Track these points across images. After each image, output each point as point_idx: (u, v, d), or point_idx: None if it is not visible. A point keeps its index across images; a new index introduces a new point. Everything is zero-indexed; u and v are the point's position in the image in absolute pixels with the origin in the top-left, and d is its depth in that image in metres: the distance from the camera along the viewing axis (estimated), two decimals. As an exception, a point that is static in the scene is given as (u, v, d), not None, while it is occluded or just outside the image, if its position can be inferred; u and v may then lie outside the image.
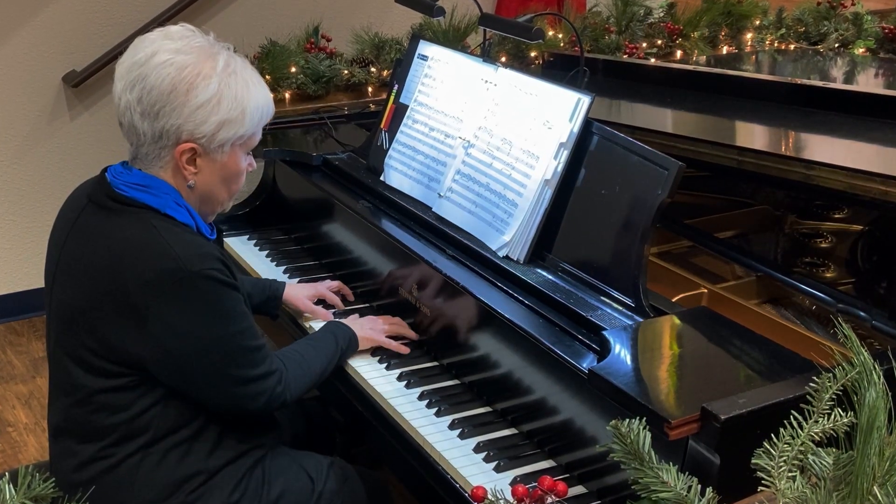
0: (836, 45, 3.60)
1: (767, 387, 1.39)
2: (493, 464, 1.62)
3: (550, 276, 1.81)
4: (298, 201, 2.49)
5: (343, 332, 1.89)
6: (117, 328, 1.51)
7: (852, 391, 1.10)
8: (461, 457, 1.64)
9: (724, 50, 3.61)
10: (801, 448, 1.08)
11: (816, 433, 1.09)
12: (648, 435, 1.07)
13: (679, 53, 3.54)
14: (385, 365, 1.91)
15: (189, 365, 1.53)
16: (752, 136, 2.29)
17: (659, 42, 3.55)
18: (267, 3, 3.70)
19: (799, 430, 1.09)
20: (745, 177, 2.29)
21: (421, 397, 1.81)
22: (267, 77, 2.90)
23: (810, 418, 1.10)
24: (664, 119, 2.46)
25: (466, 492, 1.57)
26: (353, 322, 1.94)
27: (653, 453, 1.07)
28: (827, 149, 2.10)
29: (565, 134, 1.84)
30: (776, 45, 3.66)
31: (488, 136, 2.00)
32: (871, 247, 2.19)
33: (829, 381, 1.12)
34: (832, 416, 1.10)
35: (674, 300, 1.83)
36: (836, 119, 2.21)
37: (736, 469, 1.22)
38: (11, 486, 1.08)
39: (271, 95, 1.64)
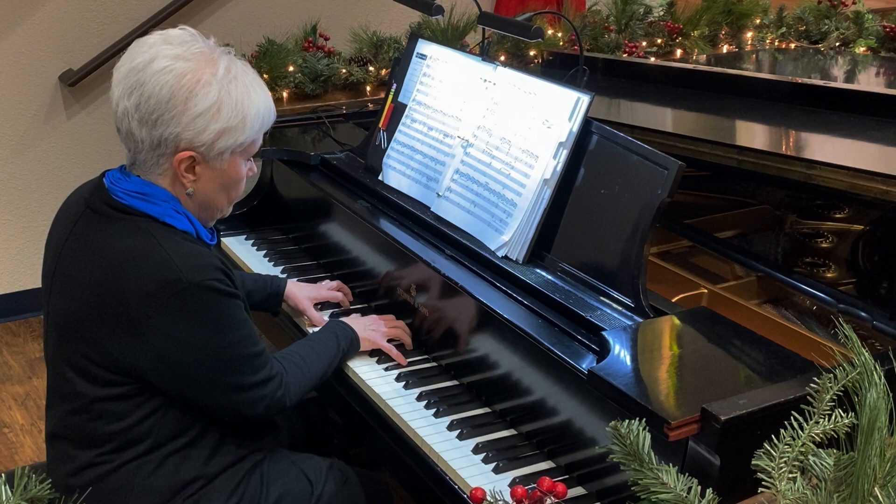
0: (837, 44, 3.60)
1: (768, 387, 1.38)
2: (492, 465, 1.61)
3: (549, 277, 1.80)
4: (296, 201, 2.48)
5: (345, 332, 1.88)
6: (117, 338, 1.50)
7: (853, 392, 1.09)
8: (460, 458, 1.64)
9: (725, 49, 3.61)
10: (802, 449, 1.08)
11: (817, 434, 1.09)
12: (648, 436, 1.07)
13: (679, 52, 3.54)
14: (384, 366, 1.91)
15: (189, 374, 1.51)
16: (753, 135, 2.28)
17: (659, 41, 3.54)
18: (264, 2, 3.70)
19: (799, 431, 1.08)
20: (745, 176, 2.28)
21: (419, 398, 1.80)
22: (264, 76, 2.89)
23: (811, 419, 1.09)
24: (664, 118, 2.46)
25: (465, 493, 1.57)
26: (355, 322, 1.93)
27: (652, 454, 1.06)
28: (828, 148, 2.10)
29: (564, 133, 1.83)
30: (777, 43, 3.66)
31: (487, 135, 1.99)
32: (872, 247, 2.19)
33: (830, 382, 1.11)
34: (833, 417, 1.09)
35: (674, 300, 1.82)
36: (836, 118, 2.20)
37: (736, 470, 1.22)
38: (8, 487, 1.08)
39: (272, 101, 1.62)
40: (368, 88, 3.01)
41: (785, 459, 1.06)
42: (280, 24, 3.22)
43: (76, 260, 1.56)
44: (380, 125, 2.32)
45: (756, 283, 2.03)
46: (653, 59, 3.35)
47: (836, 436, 1.09)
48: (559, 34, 3.38)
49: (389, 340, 1.94)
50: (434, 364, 1.92)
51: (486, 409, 1.78)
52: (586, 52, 3.16)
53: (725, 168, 2.05)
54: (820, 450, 1.09)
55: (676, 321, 1.63)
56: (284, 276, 2.25)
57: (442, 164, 2.09)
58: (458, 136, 2.06)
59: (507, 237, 1.87)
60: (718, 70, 2.75)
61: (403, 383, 1.85)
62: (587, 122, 1.83)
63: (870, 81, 2.95)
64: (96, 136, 3.52)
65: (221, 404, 1.57)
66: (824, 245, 2.23)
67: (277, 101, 2.88)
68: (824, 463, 1.08)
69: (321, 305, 2.12)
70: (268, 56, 2.92)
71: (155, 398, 1.54)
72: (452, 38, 3.08)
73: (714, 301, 1.93)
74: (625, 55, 3.35)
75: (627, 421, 1.08)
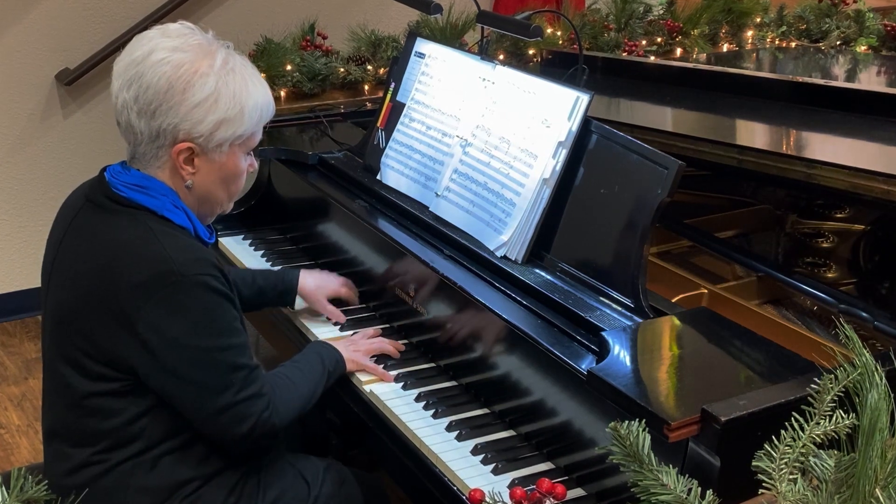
0: (838, 43, 3.60)
1: (768, 388, 1.38)
2: (491, 466, 1.61)
3: (549, 277, 1.80)
4: (294, 201, 2.47)
5: (330, 354, 1.83)
6: (108, 331, 1.49)
7: (854, 393, 1.09)
8: (459, 459, 1.63)
9: (725, 48, 3.61)
10: (803, 450, 1.07)
11: (818, 435, 1.08)
12: (648, 437, 1.06)
13: (679, 51, 3.53)
14: (382, 366, 1.89)
15: (176, 374, 1.49)
16: (753, 134, 2.28)
17: (658, 39, 3.54)
18: (262, 0, 3.69)
19: (800, 432, 1.08)
20: (745, 176, 2.28)
21: (418, 399, 1.79)
22: (262, 75, 2.87)
23: (811, 420, 1.09)
24: (664, 117, 2.45)
25: (464, 494, 1.56)
26: (338, 343, 1.89)
27: (652, 455, 1.05)
28: (828, 147, 2.09)
29: (564, 132, 1.83)
30: (777, 42, 3.65)
31: (486, 134, 1.98)
32: (873, 247, 2.19)
33: (831, 383, 1.11)
34: (834, 418, 1.09)
35: (673, 301, 1.82)
36: (837, 117, 2.20)
37: (736, 471, 1.21)
38: (4, 488, 1.08)
39: (271, 94, 1.62)
40: (367, 87, 3.01)
41: (785, 460, 1.06)
42: (278, 22, 3.21)
43: (73, 251, 1.56)
44: (378, 124, 2.31)
45: (756, 284, 2.03)
46: (652, 57, 3.35)
47: (836, 437, 1.08)
48: (558, 33, 3.38)
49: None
50: (433, 364, 1.91)
51: (485, 410, 1.77)
52: (586, 50, 3.16)
53: (726, 167, 2.05)
54: (821, 451, 1.08)
55: (676, 321, 1.62)
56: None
57: (440, 164, 2.08)
58: (457, 136, 2.05)
59: (506, 237, 1.86)
60: (718, 69, 2.75)
61: (402, 384, 1.84)
62: (586, 122, 1.82)
63: (871, 80, 2.95)
64: (93, 135, 3.50)
65: (206, 418, 1.54)
66: (825, 245, 2.23)
67: (275, 100, 2.84)
68: (825, 464, 1.08)
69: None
70: (265, 55, 2.92)
71: (147, 397, 1.53)
72: (451, 36, 3.08)
73: (714, 301, 1.92)
74: (624, 54, 3.34)
75: (627, 422, 1.07)
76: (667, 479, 1.04)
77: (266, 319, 2.20)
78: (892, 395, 1.07)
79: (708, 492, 1.05)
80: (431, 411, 1.75)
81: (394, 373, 1.87)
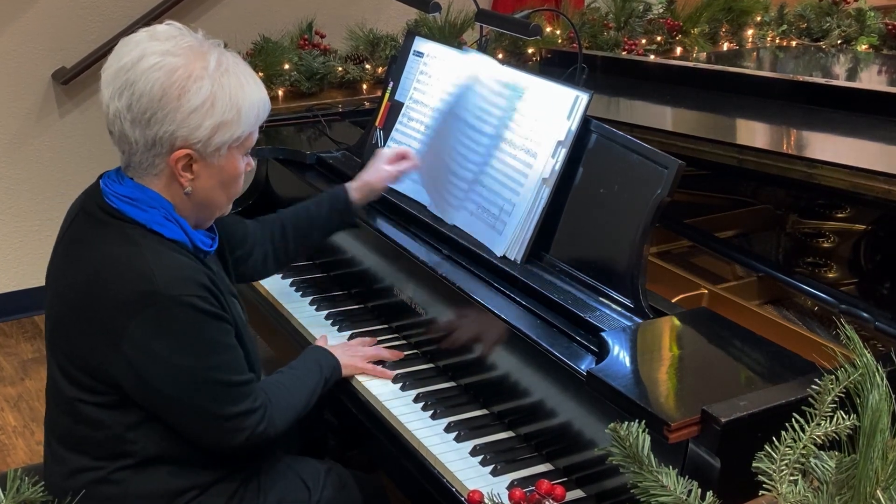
0: (839, 42, 3.59)
1: (769, 389, 1.37)
2: (490, 467, 1.60)
3: (548, 277, 1.79)
4: (292, 200, 2.44)
5: (328, 360, 1.82)
6: (93, 345, 1.47)
7: (855, 393, 1.09)
8: (457, 460, 1.63)
9: (725, 46, 3.60)
10: (803, 451, 1.07)
11: (818, 436, 1.08)
12: (648, 438, 1.06)
13: (679, 50, 3.53)
14: (380, 367, 1.88)
15: (162, 393, 1.48)
16: (754, 134, 2.27)
17: (658, 38, 3.53)
18: (260, -1, 3.69)
19: (801, 433, 1.08)
20: (746, 175, 2.27)
21: (416, 400, 1.79)
22: (260, 74, 2.87)
23: (812, 421, 1.09)
24: (664, 117, 2.44)
25: (463, 496, 1.56)
26: (334, 348, 1.88)
27: (652, 457, 1.05)
28: (829, 147, 2.09)
29: (563, 132, 1.82)
30: (778, 41, 3.65)
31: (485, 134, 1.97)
32: (874, 247, 2.18)
33: (832, 384, 1.11)
34: (834, 419, 1.09)
35: (673, 301, 1.81)
36: (838, 117, 2.19)
37: (737, 473, 1.20)
38: (0, 489, 1.07)
39: (266, 92, 1.58)
40: (365, 87, 3.00)
41: (786, 462, 1.06)
42: (275, 21, 3.21)
43: (66, 260, 1.55)
44: (376, 124, 2.30)
45: (757, 284, 2.02)
46: (652, 56, 3.34)
47: (837, 438, 1.08)
48: (558, 32, 3.38)
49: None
50: (431, 365, 1.91)
51: (484, 411, 1.76)
52: (585, 49, 3.15)
53: (726, 167, 2.04)
54: (821, 452, 1.08)
55: (676, 322, 1.62)
56: (279, 276, 2.23)
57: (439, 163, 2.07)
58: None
59: (506, 237, 1.85)
60: (719, 68, 2.74)
61: (400, 384, 1.83)
62: (586, 121, 1.81)
63: (872, 79, 2.95)
64: (89, 135, 3.50)
65: (198, 432, 1.52)
66: (826, 245, 2.23)
67: (273, 99, 2.85)
68: (826, 465, 1.08)
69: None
70: (263, 54, 2.91)
71: (133, 411, 1.51)
72: (450, 35, 3.07)
73: (714, 301, 1.91)
74: (624, 53, 3.34)
75: (627, 423, 1.07)
76: (667, 481, 1.04)
77: (265, 322, 2.19)
78: (893, 396, 1.07)
79: (708, 493, 1.04)
80: (430, 412, 1.75)
81: (392, 373, 1.86)
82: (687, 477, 1.05)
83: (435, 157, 2.09)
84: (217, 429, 1.52)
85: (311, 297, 2.17)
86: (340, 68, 2.97)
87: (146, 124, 1.45)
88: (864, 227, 2.21)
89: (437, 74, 2.17)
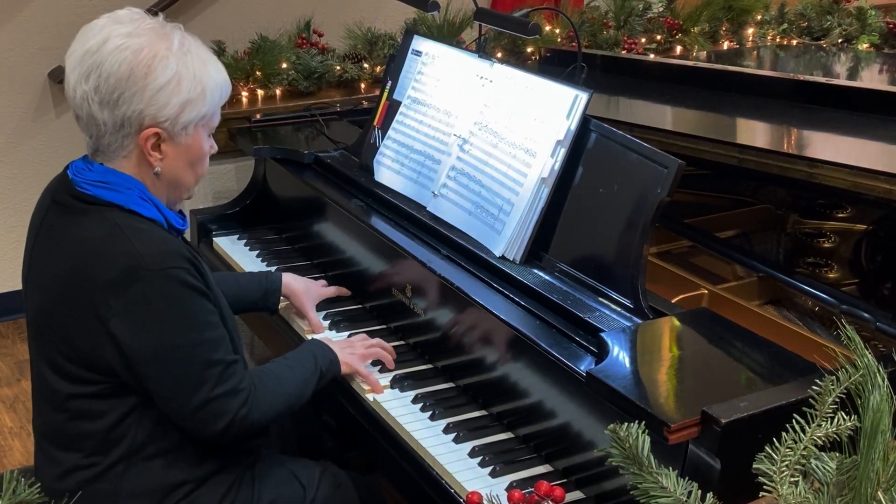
0: (840, 41, 3.59)
1: (769, 390, 1.37)
2: (489, 468, 1.60)
3: (547, 277, 1.78)
4: (290, 200, 2.46)
5: (325, 354, 1.79)
6: (84, 332, 1.48)
7: (856, 394, 1.08)
8: (456, 461, 1.62)
9: (725, 45, 3.60)
10: (804, 452, 1.07)
11: (819, 437, 1.08)
12: (647, 439, 1.05)
13: (679, 49, 3.52)
14: (378, 367, 1.88)
15: (149, 370, 1.48)
16: (754, 133, 2.27)
17: (658, 37, 3.53)
18: (257, -3, 3.67)
19: (801, 434, 1.07)
20: (746, 175, 2.27)
21: (415, 400, 1.78)
22: (257, 73, 2.87)
23: (813, 422, 1.09)
24: (663, 116, 2.44)
25: (461, 497, 1.55)
26: (335, 343, 1.86)
27: (652, 458, 1.05)
28: (830, 146, 2.08)
29: (562, 131, 1.81)
30: (778, 40, 3.64)
31: (484, 133, 1.97)
32: (875, 247, 2.18)
33: (832, 384, 1.10)
34: (835, 420, 1.08)
35: (673, 301, 1.81)
36: (839, 116, 2.19)
37: (737, 474, 1.20)
38: (-4, 491, 1.06)
39: (226, 73, 1.60)
40: (363, 86, 3.00)
41: (787, 463, 1.05)
42: (273, 20, 3.20)
43: (45, 255, 1.55)
44: (374, 123, 2.30)
45: (757, 284, 2.02)
46: (652, 55, 3.34)
47: (838, 439, 1.08)
48: (557, 30, 3.37)
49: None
50: (430, 366, 1.90)
51: (483, 412, 1.75)
52: (585, 48, 3.14)
53: (726, 167, 2.04)
54: (822, 453, 1.08)
55: (676, 322, 1.61)
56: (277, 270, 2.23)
57: (437, 163, 2.06)
58: (454, 134, 2.04)
59: (504, 237, 1.85)
60: (719, 67, 2.74)
61: (399, 385, 1.82)
62: (585, 120, 1.81)
63: (873, 78, 2.94)
64: (86, 134, 3.49)
65: (182, 412, 1.52)
66: (826, 245, 2.22)
67: (270, 98, 2.87)
68: (826, 467, 1.07)
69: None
70: (261, 53, 2.91)
71: (129, 398, 1.52)
72: (448, 34, 3.07)
73: (714, 302, 1.91)
74: (624, 52, 3.34)
75: (626, 424, 1.06)
76: (666, 482, 1.03)
77: (261, 320, 2.19)
78: (894, 397, 1.06)
79: (708, 494, 1.04)
80: (428, 413, 1.74)
81: (390, 375, 1.86)
82: (687, 478, 1.05)
83: (433, 157, 2.08)
84: (201, 410, 1.51)
85: (309, 298, 2.16)
86: (338, 67, 2.97)
87: (114, 104, 1.47)
88: (864, 226, 2.21)
89: (436, 73, 2.16)
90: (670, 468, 1.04)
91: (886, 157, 1.96)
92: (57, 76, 3.36)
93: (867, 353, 1.09)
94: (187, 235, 1.92)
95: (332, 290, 2.12)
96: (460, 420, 1.72)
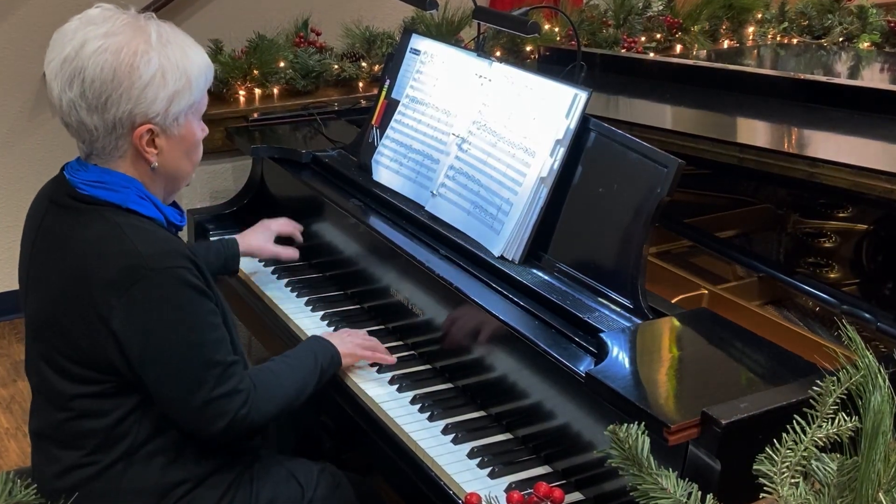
0: (841, 40, 3.59)
1: (769, 390, 1.37)
2: (488, 470, 1.59)
3: (546, 277, 1.77)
4: (287, 199, 2.45)
5: (325, 349, 1.79)
6: (86, 332, 1.47)
7: (857, 395, 1.08)
8: (454, 462, 1.61)
9: (725, 44, 3.60)
10: (805, 453, 1.06)
11: (820, 438, 1.07)
12: (647, 440, 1.05)
13: (679, 48, 3.52)
14: (377, 368, 1.87)
15: (149, 370, 1.47)
16: (754, 132, 2.26)
17: (658, 36, 3.53)
18: (255, -4, 3.66)
19: (802, 435, 1.07)
20: (746, 175, 2.27)
21: (413, 401, 1.77)
22: (255, 72, 2.86)
23: (813, 423, 1.08)
24: (663, 115, 2.44)
25: (460, 498, 1.55)
26: (333, 337, 1.86)
27: (652, 459, 1.04)
28: (831, 146, 2.08)
29: (562, 130, 1.80)
30: (779, 39, 3.64)
31: (482, 132, 1.96)
32: (876, 246, 2.18)
33: (833, 385, 1.10)
34: (836, 421, 1.08)
35: (673, 301, 1.80)
36: (840, 115, 2.19)
37: (737, 475, 1.19)
38: (-7, 491, 1.06)
39: (206, 55, 1.59)
40: (361, 85, 2.99)
41: (787, 464, 1.05)
42: (270, 18, 3.18)
43: (45, 256, 1.54)
44: (372, 122, 2.29)
45: (757, 284, 2.01)
46: (652, 54, 3.33)
47: (839, 440, 1.07)
48: (556, 29, 3.37)
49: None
50: (428, 366, 1.89)
51: (482, 413, 1.75)
52: (584, 47, 3.13)
53: (726, 166, 2.03)
54: (823, 454, 1.07)
55: (676, 323, 1.61)
56: (274, 276, 2.25)
57: (436, 162, 2.05)
58: (453, 134, 2.03)
59: (503, 237, 1.84)
60: (719, 66, 2.72)
61: (397, 386, 1.82)
62: (585, 119, 1.80)
63: (874, 77, 2.94)
64: (84, 134, 3.48)
65: (182, 412, 1.51)
66: (827, 245, 2.22)
67: (268, 97, 2.86)
68: (827, 468, 1.07)
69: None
70: (258, 51, 2.89)
71: (133, 395, 1.51)
72: (447, 33, 3.06)
73: (714, 302, 1.91)
74: (623, 51, 3.33)
75: (626, 425, 1.06)
76: (666, 483, 1.03)
77: (258, 320, 2.18)
78: (895, 398, 1.06)
79: (708, 496, 1.03)
80: (427, 414, 1.73)
81: (389, 374, 1.85)
82: (687, 479, 1.04)
83: (432, 156, 2.07)
84: (201, 410, 1.50)
85: (306, 298, 2.15)
86: (336, 66, 2.96)
87: (103, 108, 1.46)
88: (865, 226, 2.21)
89: (435, 72, 2.16)
90: (670, 469, 1.04)
91: (887, 157, 1.95)
92: (52, 76, 3.35)
93: (868, 353, 1.08)
94: (185, 235, 1.92)
95: (283, 222, 2.21)
96: (459, 421, 1.72)
